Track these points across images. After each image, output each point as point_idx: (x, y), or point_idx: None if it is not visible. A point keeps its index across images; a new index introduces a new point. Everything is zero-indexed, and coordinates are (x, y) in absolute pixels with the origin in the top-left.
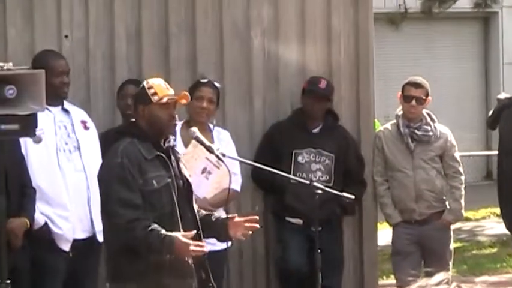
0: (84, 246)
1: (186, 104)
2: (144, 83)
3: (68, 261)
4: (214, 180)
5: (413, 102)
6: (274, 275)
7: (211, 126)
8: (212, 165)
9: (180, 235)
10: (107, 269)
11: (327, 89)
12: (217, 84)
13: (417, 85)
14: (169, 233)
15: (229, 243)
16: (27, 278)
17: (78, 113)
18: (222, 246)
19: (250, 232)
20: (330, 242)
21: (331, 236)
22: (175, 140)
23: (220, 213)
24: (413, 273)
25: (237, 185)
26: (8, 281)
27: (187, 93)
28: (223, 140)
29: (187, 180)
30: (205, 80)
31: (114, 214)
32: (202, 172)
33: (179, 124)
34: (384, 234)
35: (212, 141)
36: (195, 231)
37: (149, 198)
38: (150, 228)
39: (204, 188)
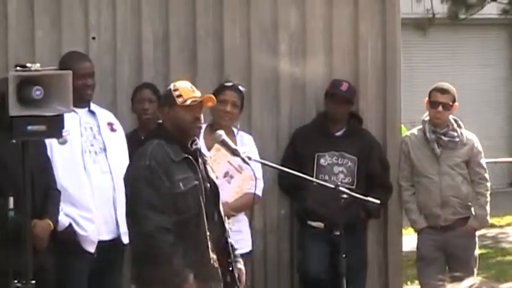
0: (109, 247)
1: (212, 106)
2: (171, 85)
3: (92, 262)
4: (236, 184)
5: (440, 108)
6: (299, 279)
7: (235, 130)
8: (234, 169)
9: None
10: (132, 271)
11: (349, 92)
12: (241, 88)
13: (443, 91)
14: (188, 271)
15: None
16: (52, 279)
17: (104, 115)
18: (245, 249)
19: None
20: (353, 246)
21: (355, 240)
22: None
23: (241, 218)
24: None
25: (258, 190)
26: (33, 282)
27: (213, 96)
28: (246, 144)
29: (214, 183)
30: (229, 84)
31: (142, 217)
32: (224, 176)
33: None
34: (409, 240)
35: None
36: None
37: (175, 200)
38: (177, 248)
39: (226, 192)
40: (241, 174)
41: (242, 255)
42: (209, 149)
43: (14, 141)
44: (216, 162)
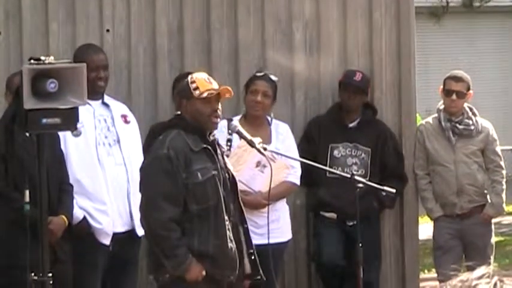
0: (124, 239)
1: (229, 98)
2: (188, 77)
3: (108, 255)
4: (270, 173)
5: (454, 96)
6: (315, 268)
7: (269, 119)
8: (266, 159)
9: (197, 267)
10: (148, 261)
11: (363, 82)
12: (273, 78)
13: (458, 79)
14: (190, 260)
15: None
16: (69, 272)
17: (118, 107)
18: (283, 238)
19: None
20: (367, 236)
21: (369, 230)
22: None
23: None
24: (453, 268)
25: (295, 178)
26: (50, 274)
27: (229, 88)
28: (281, 133)
29: (232, 174)
30: (261, 74)
31: (156, 207)
32: (257, 166)
33: (237, 118)
34: (426, 228)
35: (270, 135)
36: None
37: (193, 190)
38: (183, 241)
39: (260, 182)
40: (275, 163)
41: (280, 244)
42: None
43: (28, 134)
44: (247, 152)
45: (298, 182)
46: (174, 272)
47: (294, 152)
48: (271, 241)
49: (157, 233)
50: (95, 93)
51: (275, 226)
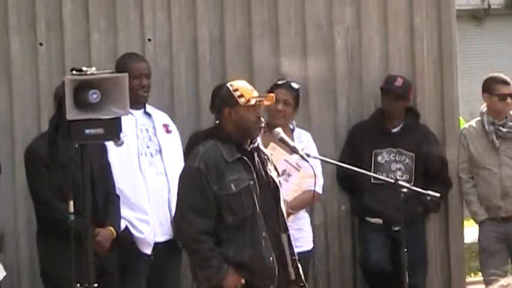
0: (165, 249)
1: (269, 104)
2: (228, 85)
3: (150, 264)
4: (294, 182)
5: (509, 99)
6: (362, 273)
7: (291, 127)
8: (292, 168)
9: (233, 276)
10: (191, 269)
11: (403, 87)
12: (295, 85)
13: (506, 82)
14: (225, 269)
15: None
16: (116, 283)
17: (160, 117)
18: (306, 247)
19: None
20: (412, 241)
21: (414, 235)
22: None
23: (302, 216)
24: (497, 272)
25: (318, 187)
26: (96, 285)
27: (273, 95)
28: (303, 141)
29: (274, 181)
30: (281, 82)
31: (186, 220)
32: (282, 174)
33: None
34: (471, 232)
35: None
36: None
37: (227, 202)
38: (215, 252)
39: (284, 191)
40: (299, 172)
41: (303, 254)
42: (265, 148)
43: (76, 145)
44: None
45: (321, 190)
46: (209, 282)
47: (316, 161)
48: (303, 249)
49: (188, 245)
50: (137, 102)
51: (299, 235)
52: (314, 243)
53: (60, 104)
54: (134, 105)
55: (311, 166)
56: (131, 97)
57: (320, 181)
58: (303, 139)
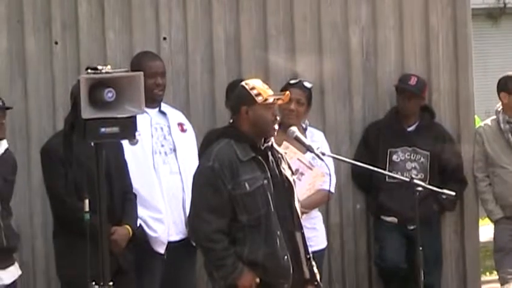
0: (179, 248)
1: (282, 104)
2: (244, 83)
3: (164, 263)
4: (307, 181)
5: None
6: (377, 272)
7: (304, 127)
8: (304, 167)
9: (248, 275)
10: (206, 268)
11: (418, 86)
12: (307, 85)
13: None
14: (240, 268)
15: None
16: (132, 281)
17: (175, 115)
18: (320, 246)
19: None
20: (428, 239)
21: (429, 234)
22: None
23: (315, 215)
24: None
25: (331, 186)
26: (111, 283)
27: (288, 93)
28: (316, 141)
29: (288, 180)
30: (294, 81)
31: (201, 220)
32: (295, 173)
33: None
34: (487, 230)
35: None
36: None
37: (242, 201)
38: (230, 251)
39: (297, 189)
40: (312, 171)
41: (316, 253)
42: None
43: (92, 144)
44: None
45: (333, 189)
46: (224, 281)
47: (329, 160)
48: (316, 248)
49: (203, 245)
50: (152, 101)
51: (312, 234)
52: (328, 242)
53: (76, 103)
54: (149, 104)
55: (326, 165)
56: (146, 96)
57: (333, 180)
58: (316, 138)
